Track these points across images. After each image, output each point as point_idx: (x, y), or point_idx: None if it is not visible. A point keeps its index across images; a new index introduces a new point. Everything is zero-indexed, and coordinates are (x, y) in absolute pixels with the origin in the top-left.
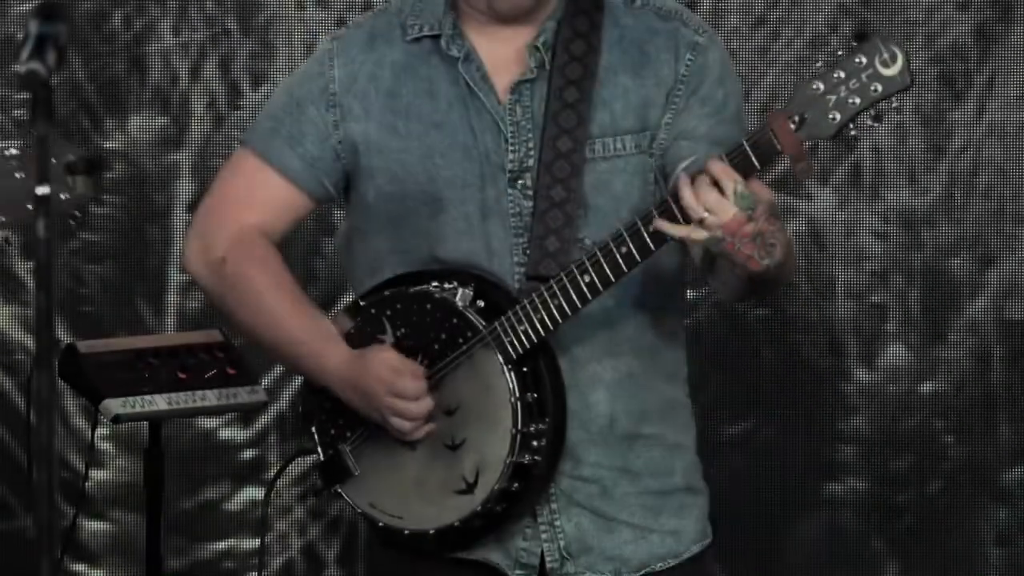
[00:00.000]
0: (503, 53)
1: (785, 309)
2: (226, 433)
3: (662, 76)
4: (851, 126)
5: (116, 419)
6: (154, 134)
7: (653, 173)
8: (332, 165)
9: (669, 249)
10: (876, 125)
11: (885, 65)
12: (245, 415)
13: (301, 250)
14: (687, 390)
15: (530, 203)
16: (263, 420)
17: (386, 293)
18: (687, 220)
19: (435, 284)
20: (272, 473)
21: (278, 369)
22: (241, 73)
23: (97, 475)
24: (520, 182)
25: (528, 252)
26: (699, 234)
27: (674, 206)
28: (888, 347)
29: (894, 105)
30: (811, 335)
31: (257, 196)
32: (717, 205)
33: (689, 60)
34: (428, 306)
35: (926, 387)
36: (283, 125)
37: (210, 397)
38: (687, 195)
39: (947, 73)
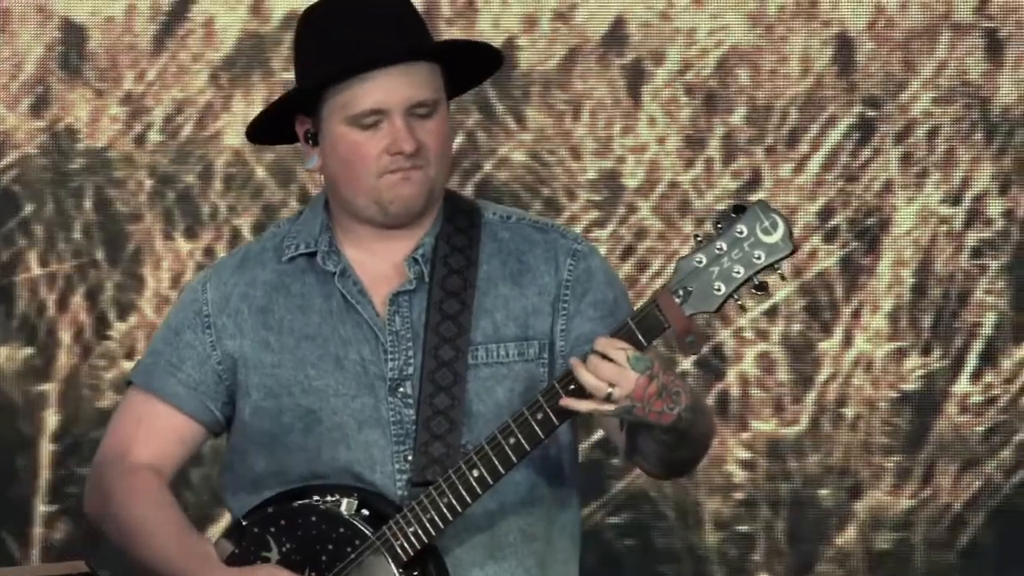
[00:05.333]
0: (381, 267)
1: (652, 539)
2: None
3: (543, 284)
4: (736, 297)
5: None
6: (20, 364)
7: (542, 382)
8: (215, 388)
9: (560, 458)
10: (761, 294)
11: (767, 233)
12: None
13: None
14: None
15: (411, 411)
16: None
17: (269, 510)
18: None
19: (317, 497)
20: None
21: None
22: (108, 304)
23: None
24: (400, 390)
25: (411, 459)
26: (608, 407)
27: (562, 392)
28: None
29: (779, 271)
30: (678, 565)
31: (145, 430)
32: (618, 376)
33: (571, 266)
34: (313, 518)
35: None
36: (163, 356)
37: None
38: (587, 376)
39: (815, 304)
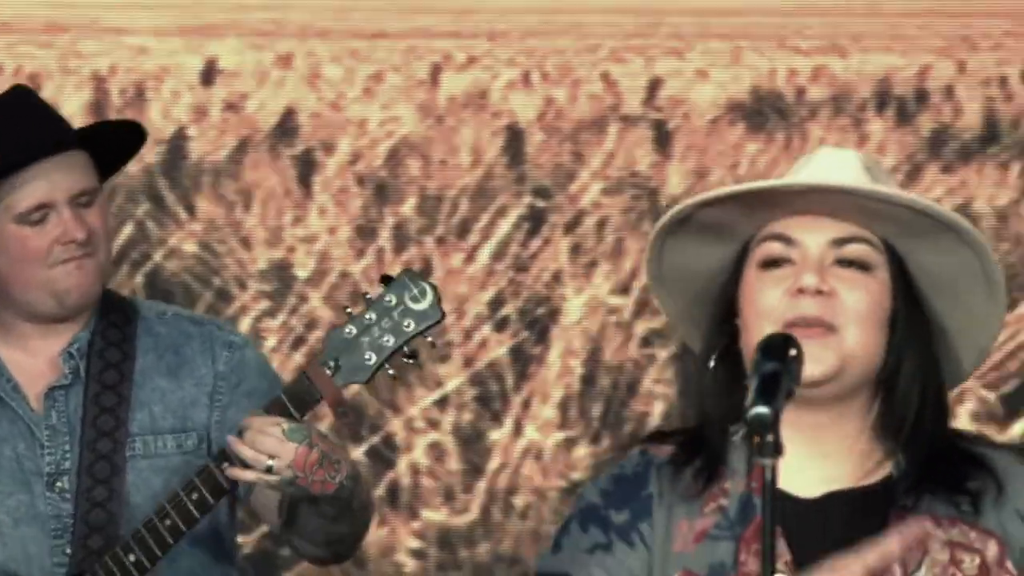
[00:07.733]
0: (35, 364)
1: None
2: None
3: (200, 376)
4: (387, 366)
5: None
6: None
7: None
8: None
9: (223, 537)
10: (413, 362)
11: (415, 301)
12: None
13: None
14: None
15: (69, 505)
16: None
17: None
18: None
19: None
20: None
21: None
22: None
23: None
24: (58, 484)
25: (69, 553)
26: (272, 478)
27: (217, 472)
28: None
29: (428, 339)
30: None
31: None
32: (277, 448)
33: (226, 357)
34: None
35: None
36: None
37: None
38: (246, 451)
39: (485, 393)
